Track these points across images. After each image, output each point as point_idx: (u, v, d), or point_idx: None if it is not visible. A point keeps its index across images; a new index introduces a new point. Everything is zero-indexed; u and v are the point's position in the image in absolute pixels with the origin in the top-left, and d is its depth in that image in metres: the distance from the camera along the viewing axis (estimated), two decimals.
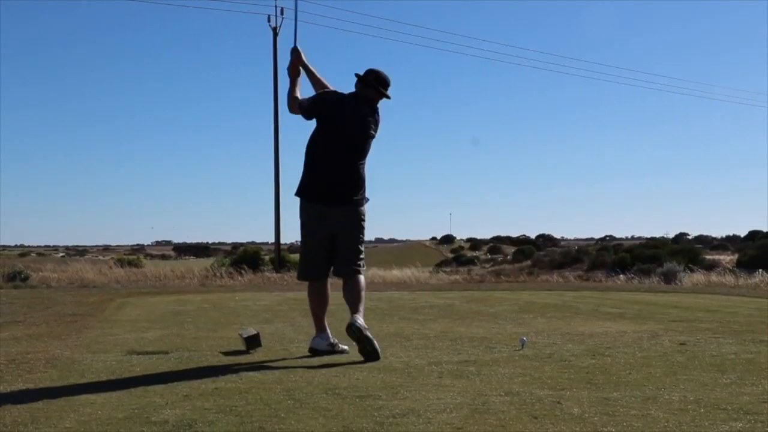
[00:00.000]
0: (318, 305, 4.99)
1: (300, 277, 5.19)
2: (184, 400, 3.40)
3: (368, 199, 5.03)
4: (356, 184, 4.95)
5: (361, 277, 4.97)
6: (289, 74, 5.19)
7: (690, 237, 70.17)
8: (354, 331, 4.62)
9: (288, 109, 5.16)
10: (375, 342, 4.61)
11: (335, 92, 5.09)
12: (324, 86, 5.20)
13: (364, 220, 5.00)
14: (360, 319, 4.69)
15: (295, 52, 5.18)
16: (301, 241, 5.14)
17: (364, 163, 5.00)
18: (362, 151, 4.97)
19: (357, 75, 5.04)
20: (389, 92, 5.06)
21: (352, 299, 4.86)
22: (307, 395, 3.51)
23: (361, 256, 5.02)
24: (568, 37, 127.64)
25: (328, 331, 4.96)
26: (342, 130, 4.91)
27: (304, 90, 5.20)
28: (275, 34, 23.97)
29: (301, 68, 5.20)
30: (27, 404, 3.32)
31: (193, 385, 3.75)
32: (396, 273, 19.95)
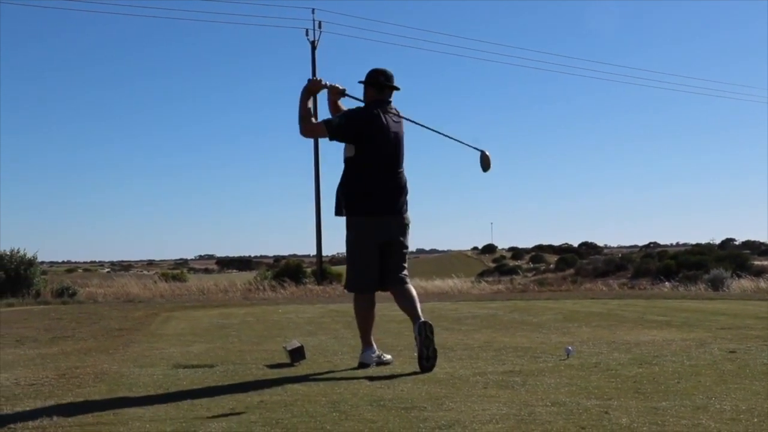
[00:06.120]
0: (367, 319, 4.97)
1: (352, 289, 5.03)
2: (230, 414, 3.42)
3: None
4: (403, 193, 4.97)
5: (411, 286, 4.98)
6: (307, 89, 4.95)
7: (737, 242, 68.96)
8: (425, 329, 4.58)
9: (301, 129, 4.89)
10: (437, 351, 4.60)
11: (357, 108, 5.01)
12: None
13: (409, 229, 5.02)
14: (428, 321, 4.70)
15: (325, 84, 5.05)
16: (353, 254, 4.98)
17: (403, 169, 5.01)
18: (402, 156, 4.99)
19: (363, 82, 5.00)
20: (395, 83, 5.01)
21: (411, 306, 4.84)
22: (353, 407, 3.51)
23: (405, 265, 5.02)
24: (602, 41, 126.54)
25: (374, 344, 4.97)
26: (382, 141, 4.89)
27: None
28: (313, 48, 24.21)
29: (328, 90, 5.06)
30: (77, 418, 3.38)
31: (238, 398, 3.78)
32: (438, 283, 19.91)
